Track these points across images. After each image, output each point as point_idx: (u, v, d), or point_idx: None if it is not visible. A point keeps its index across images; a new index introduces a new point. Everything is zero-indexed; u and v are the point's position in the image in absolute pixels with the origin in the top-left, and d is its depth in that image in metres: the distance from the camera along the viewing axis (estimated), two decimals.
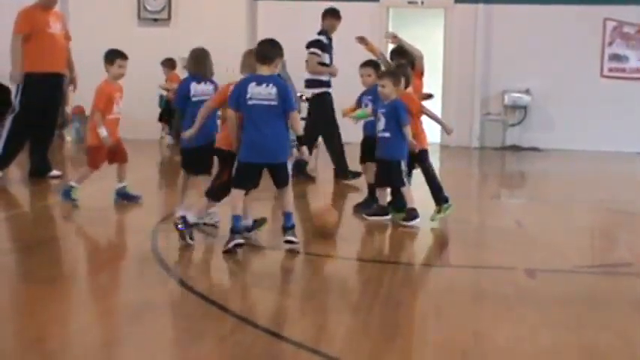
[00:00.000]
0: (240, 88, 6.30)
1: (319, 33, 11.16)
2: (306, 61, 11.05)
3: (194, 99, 7.45)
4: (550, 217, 8.40)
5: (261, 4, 17.05)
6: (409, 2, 16.91)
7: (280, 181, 6.36)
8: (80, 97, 14.68)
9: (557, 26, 15.89)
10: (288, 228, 6.39)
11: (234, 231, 6.21)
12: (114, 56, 8.52)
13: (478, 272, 6.18)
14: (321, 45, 10.96)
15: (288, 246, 6.30)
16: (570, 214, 8.85)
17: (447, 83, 16.62)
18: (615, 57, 16.16)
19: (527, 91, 15.74)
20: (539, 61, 15.55)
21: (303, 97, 11.40)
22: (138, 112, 15.64)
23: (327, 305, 5.04)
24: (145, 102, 15.85)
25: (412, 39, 16.84)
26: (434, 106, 16.59)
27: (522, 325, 4.69)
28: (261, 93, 6.22)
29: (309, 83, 11.02)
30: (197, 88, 7.55)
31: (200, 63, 7.76)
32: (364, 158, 8.50)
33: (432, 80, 16.77)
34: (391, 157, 7.68)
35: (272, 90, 6.21)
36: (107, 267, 5.84)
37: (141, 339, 4.20)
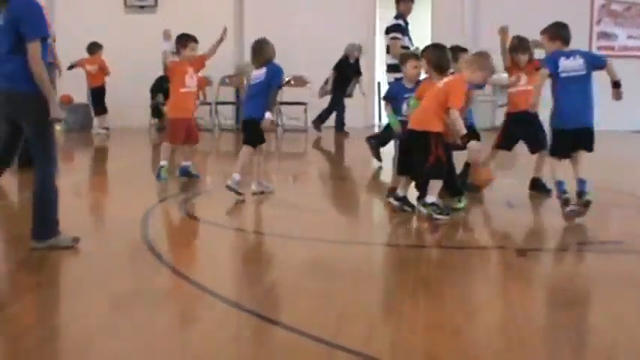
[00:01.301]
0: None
1: (396, 17, 10.97)
2: (387, 45, 10.91)
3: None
4: (540, 197, 8.40)
5: None
6: None
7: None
8: (67, 86, 14.67)
9: (545, 5, 15.87)
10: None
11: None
12: (187, 40, 9.51)
13: (469, 252, 6.20)
14: (401, 29, 10.80)
15: None
16: None
17: None
18: (604, 35, 16.18)
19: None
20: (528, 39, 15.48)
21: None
22: (125, 99, 15.63)
23: (317, 289, 5.03)
24: (133, 89, 15.83)
25: None
26: None
27: (514, 304, 4.70)
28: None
29: (392, 68, 10.62)
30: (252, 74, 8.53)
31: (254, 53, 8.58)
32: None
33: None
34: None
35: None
36: (96, 254, 5.82)
37: (133, 327, 4.19)
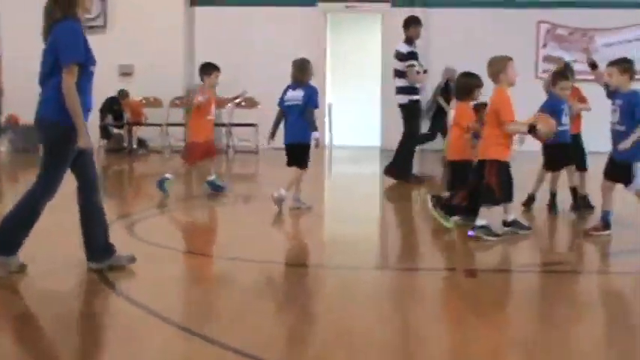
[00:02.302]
0: None
1: (408, 43, 11.56)
2: (396, 69, 11.61)
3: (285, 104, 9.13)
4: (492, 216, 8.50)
5: (198, 10, 16.97)
6: (347, 7, 16.98)
7: None
8: (14, 106, 14.51)
9: (493, 29, 16.10)
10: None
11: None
12: (212, 69, 10.28)
13: (419, 274, 6.23)
14: (415, 56, 11.45)
15: None
16: None
17: (386, 88, 16.69)
18: (549, 59, 16.40)
19: None
20: (476, 63, 15.61)
21: None
22: None
23: (263, 309, 5.03)
24: None
25: (350, 44, 17.00)
26: (373, 109, 16.87)
27: (465, 326, 4.74)
28: None
29: (404, 90, 11.53)
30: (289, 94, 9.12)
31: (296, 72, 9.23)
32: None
33: (371, 84, 16.93)
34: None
35: None
36: (43, 276, 5.75)
37: (79, 349, 4.15)
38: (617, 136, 7.47)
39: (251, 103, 15.93)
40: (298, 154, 9.02)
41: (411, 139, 11.72)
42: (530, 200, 9.07)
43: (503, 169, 7.47)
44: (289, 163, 9.15)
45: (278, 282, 5.91)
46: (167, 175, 9.97)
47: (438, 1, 16.56)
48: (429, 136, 15.19)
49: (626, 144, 7.24)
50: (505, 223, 7.65)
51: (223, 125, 16.18)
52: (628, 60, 7.71)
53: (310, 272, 6.45)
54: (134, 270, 5.91)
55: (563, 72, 9.03)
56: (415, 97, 11.60)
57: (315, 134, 8.92)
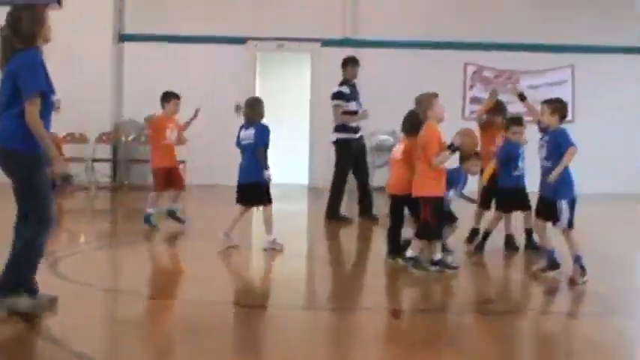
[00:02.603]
0: None
1: (341, 83, 11.89)
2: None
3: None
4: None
5: (127, 46, 16.86)
6: (277, 46, 17.04)
7: None
8: None
9: (421, 69, 16.28)
10: None
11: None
12: (170, 96, 10.75)
13: (350, 314, 6.22)
14: (342, 95, 11.72)
15: None
16: None
17: (314, 126, 16.77)
18: (476, 100, 16.65)
19: (392, 133, 15.99)
20: (405, 104, 15.77)
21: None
22: None
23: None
24: None
25: (280, 81, 17.04)
26: (301, 147, 16.90)
27: None
28: None
29: (336, 128, 11.86)
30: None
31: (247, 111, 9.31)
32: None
33: (300, 123, 16.98)
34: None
35: None
36: None
37: None
38: (545, 173, 7.65)
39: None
40: (256, 193, 9.02)
41: (339, 178, 11.74)
42: (472, 235, 9.21)
43: (437, 205, 7.57)
44: (241, 201, 9.14)
45: (207, 321, 5.83)
46: (149, 210, 10.31)
47: (369, 41, 16.70)
48: None
49: (552, 177, 7.38)
50: (432, 262, 7.72)
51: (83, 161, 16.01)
52: (561, 101, 7.89)
53: (238, 312, 6.38)
54: (58, 309, 5.78)
55: (516, 118, 9.11)
56: (344, 136, 11.71)
57: (265, 172, 8.94)
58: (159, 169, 10.62)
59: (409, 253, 7.68)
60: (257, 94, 16.42)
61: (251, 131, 9.08)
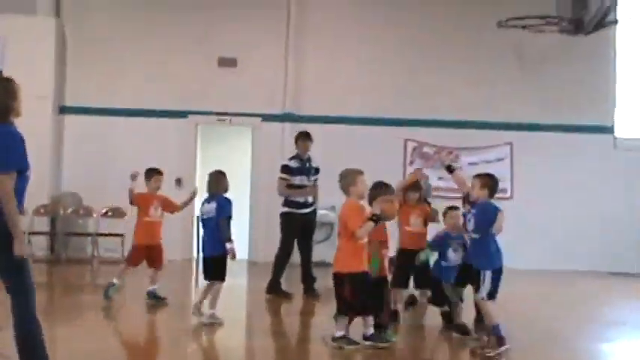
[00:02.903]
0: None
1: (291, 157, 11.88)
2: None
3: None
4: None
5: (67, 118, 16.74)
6: (218, 120, 17.08)
7: None
8: None
9: (362, 145, 16.41)
10: None
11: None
12: (152, 173, 10.81)
13: None
14: (288, 169, 11.68)
15: None
16: None
17: (255, 200, 16.77)
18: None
19: (332, 208, 16.00)
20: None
21: None
22: None
23: None
24: None
25: (221, 155, 17.07)
26: (242, 221, 16.83)
27: None
28: None
29: (283, 201, 11.83)
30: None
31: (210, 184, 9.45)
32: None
33: (241, 196, 16.92)
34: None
35: None
36: None
37: None
38: (473, 244, 7.76)
39: (119, 213, 15.68)
40: (214, 266, 9.11)
41: (280, 252, 11.71)
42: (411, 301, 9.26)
43: (358, 281, 7.56)
44: (205, 277, 9.27)
45: None
46: (114, 281, 10.25)
47: (309, 117, 16.80)
48: None
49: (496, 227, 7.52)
50: (364, 337, 7.70)
51: (89, 235, 15.83)
52: (492, 176, 8.01)
53: None
54: None
55: (452, 206, 9.16)
56: (287, 210, 11.73)
57: (227, 245, 8.96)
58: (138, 245, 10.61)
59: (337, 332, 7.68)
60: (198, 167, 16.43)
61: (213, 205, 9.18)
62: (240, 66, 17.03)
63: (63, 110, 16.71)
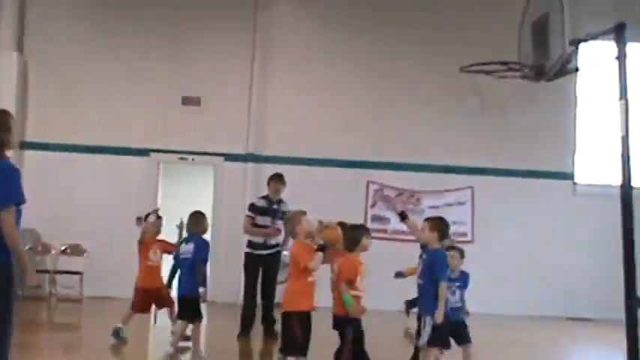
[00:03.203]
0: None
1: (260, 197, 11.91)
2: None
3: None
4: None
5: (27, 154, 16.58)
6: (179, 158, 17.03)
7: None
8: None
9: (323, 187, 16.45)
10: None
11: None
12: (148, 215, 10.94)
13: None
14: (254, 207, 11.71)
15: None
16: None
17: (216, 238, 16.67)
18: (377, 218, 16.85)
19: None
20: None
21: None
22: None
23: None
24: None
25: (182, 193, 16.97)
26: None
27: None
28: None
29: (248, 244, 11.75)
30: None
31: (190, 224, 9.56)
32: None
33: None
34: None
35: None
36: None
37: None
38: (418, 290, 7.80)
39: (78, 251, 15.54)
40: (188, 307, 9.16)
41: (244, 292, 11.73)
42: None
43: (304, 319, 7.55)
44: (179, 316, 9.39)
45: None
46: (119, 325, 10.14)
47: (272, 157, 16.82)
48: None
49: (436, 317, 7.51)
50: None
51: (47, 272, 15.65)
52: (442, 220, 8.03)
53: None
54: None
55: (449, 246, 8.90)
56: (248, 250, 11.70)
57: (200, 289, 9.06)
58: (139, 289, 10.60)
59: None
60: (159, 205, 16.33)
61: (191, 246, 9.24)
62: (204, 105, 17.02)
63: (23, 146, 16.54)
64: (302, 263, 7.53)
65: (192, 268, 9.09)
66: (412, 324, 8.65)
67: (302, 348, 7.59)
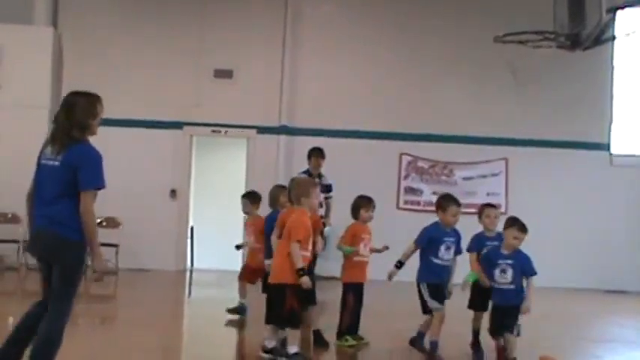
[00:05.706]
0: None
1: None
2: None
3: None
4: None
5: None
6: (212, 131, 17.05)
7: None
8: None
9: (356, 159, 16.42)
10: None
11: None
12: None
13: None
14: None
15: None
16: None
17: None
18: (411, 190, 16.80)
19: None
20: (340, 192, 15.74)
21: None
22: None
23: None
24: None
25: (215, 166, 17.00)
26: (236, 232, 16.82)
27: None
28: None
29: None
30: None
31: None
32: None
33: (235, 207, 16.87)
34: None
35: None
36: None
37: None
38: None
39: (113, 223, 15.65)
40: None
41: None
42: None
43: (300, 292, 7.49)
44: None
45: None
46: (241, 301, 10.64)
47: (304, 129, 16.79)
48: None
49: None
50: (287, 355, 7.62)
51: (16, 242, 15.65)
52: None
53: None
54: None
55: (488, 203, 9.36)
56: None
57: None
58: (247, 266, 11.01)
59: (292, 349, 7.55)
60: (192, 179, 16.40)
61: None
62: (236, 78, 17.02)
63: None
64: (294, 237, 7.41)
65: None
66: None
67: (297, 321, 7.54)
